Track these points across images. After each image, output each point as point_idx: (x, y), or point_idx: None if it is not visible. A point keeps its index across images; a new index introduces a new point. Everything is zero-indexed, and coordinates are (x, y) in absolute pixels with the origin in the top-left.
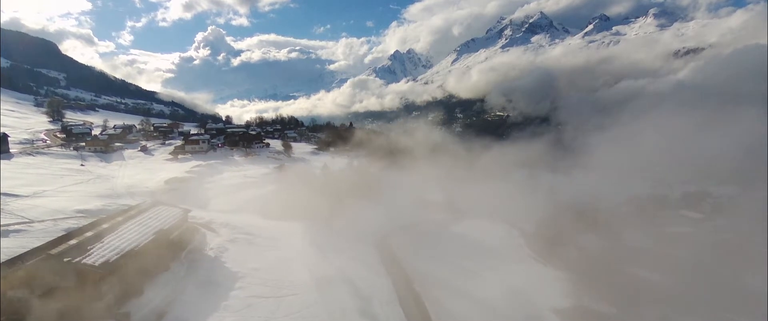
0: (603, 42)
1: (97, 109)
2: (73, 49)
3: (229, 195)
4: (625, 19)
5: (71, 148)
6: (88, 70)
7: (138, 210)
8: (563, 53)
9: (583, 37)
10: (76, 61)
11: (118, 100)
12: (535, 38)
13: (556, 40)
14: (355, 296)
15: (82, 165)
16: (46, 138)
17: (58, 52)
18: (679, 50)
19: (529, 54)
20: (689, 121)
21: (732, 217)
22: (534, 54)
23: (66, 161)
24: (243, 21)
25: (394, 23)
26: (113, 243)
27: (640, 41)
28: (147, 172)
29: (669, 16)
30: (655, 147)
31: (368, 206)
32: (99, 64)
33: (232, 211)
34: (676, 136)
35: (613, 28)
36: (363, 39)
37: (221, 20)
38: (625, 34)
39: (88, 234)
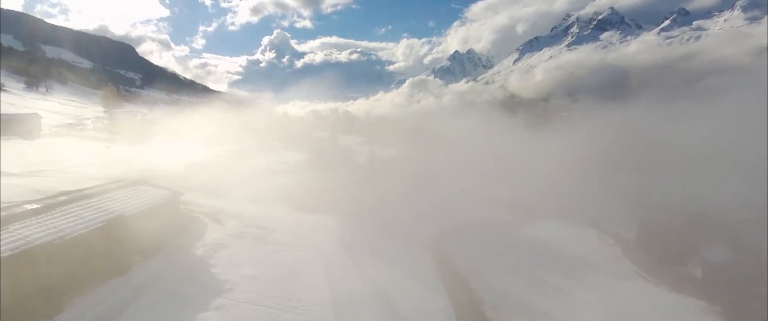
0: (682, 38)
1: (160, 104)
2: (151, 54)
3: (257, 181)
4: (708, 13)
5: (109, 133)
6: (161, 71)
7: (100, 189)
8: (638, 50)
9: (659, 33)
10: (151, 63)
11: (187, 98)
12: (604, 35)
13: (628, 37)
14: None
15: (107, 147)
16: (90, 123)
17: (136, 54)
18: None
19: (599, 52)
20: None
21: None
22: (605, 52)
23: (93, 144)
24: (306, 23)
25: (456, 23)
26: (21, 232)
27: (727, 36)
28: (175, 156)
29: (762, 7)
30: (753, 146)
31: (420, 200)
32: (173, 67)
33: (254, 200)
34: None
35: (694, 22)
36: (424, 39)
37: (285, 23)
38: (708, 30)
39: None
